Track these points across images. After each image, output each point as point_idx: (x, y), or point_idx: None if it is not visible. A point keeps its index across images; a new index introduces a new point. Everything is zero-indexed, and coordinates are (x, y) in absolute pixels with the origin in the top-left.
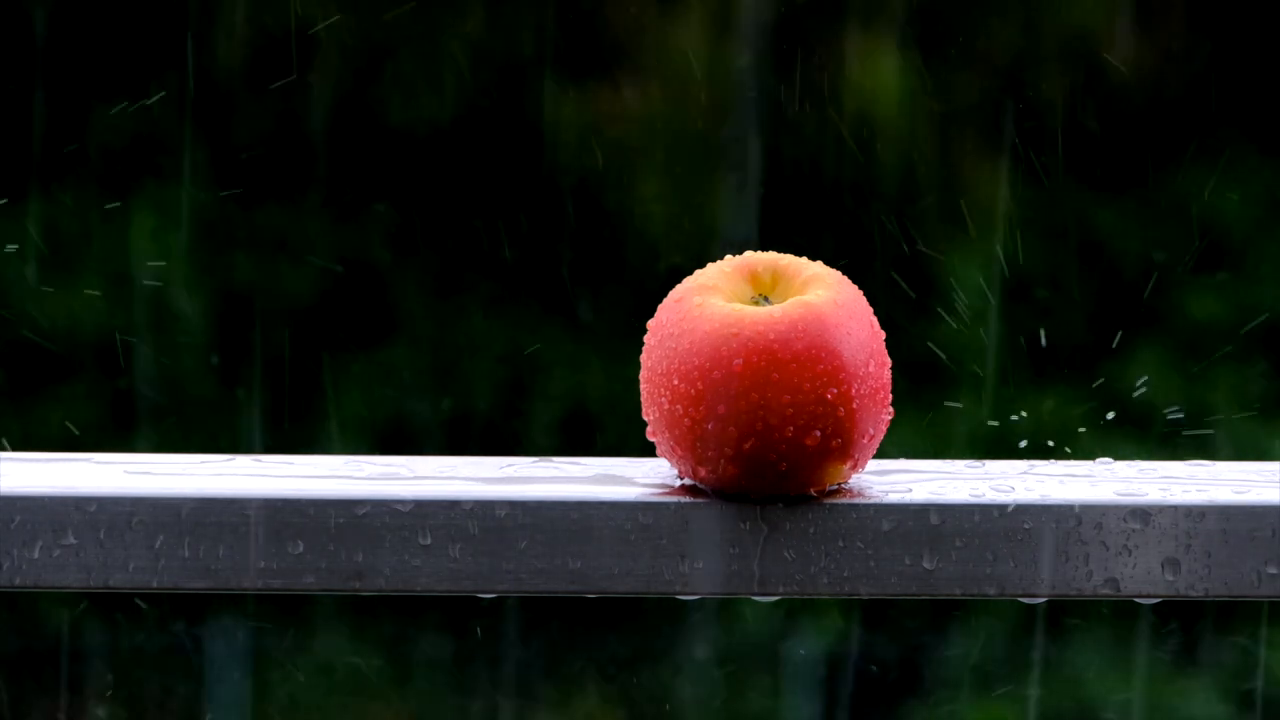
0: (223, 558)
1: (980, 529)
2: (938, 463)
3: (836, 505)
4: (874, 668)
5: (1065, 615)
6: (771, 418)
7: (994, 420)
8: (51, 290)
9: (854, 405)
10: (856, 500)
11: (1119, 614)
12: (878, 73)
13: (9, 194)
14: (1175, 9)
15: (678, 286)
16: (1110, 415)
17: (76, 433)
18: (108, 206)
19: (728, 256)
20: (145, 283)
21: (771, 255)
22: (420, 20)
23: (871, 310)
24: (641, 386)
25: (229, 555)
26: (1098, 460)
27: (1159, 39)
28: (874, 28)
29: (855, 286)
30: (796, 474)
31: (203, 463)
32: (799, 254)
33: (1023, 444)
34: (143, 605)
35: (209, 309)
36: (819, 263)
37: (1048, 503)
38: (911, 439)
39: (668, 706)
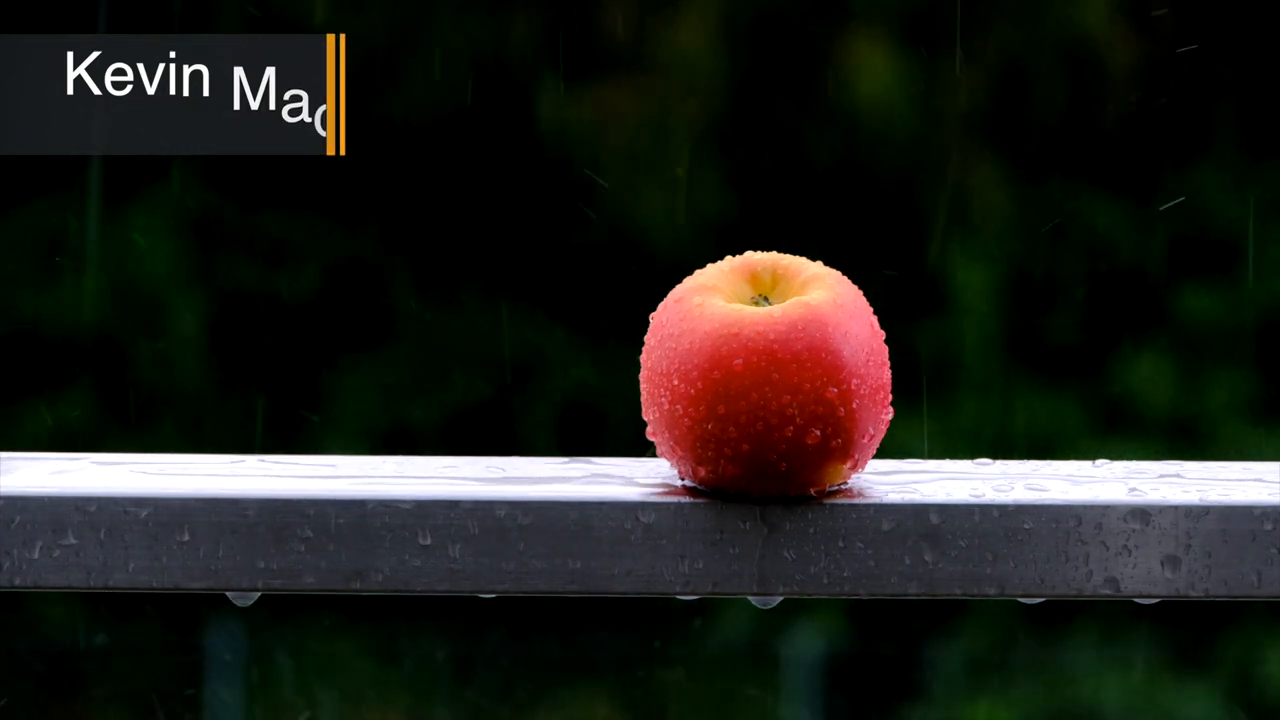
0: (223, 558)
1: (980, 529)
2: (937, 463)
3: (836, 505)
4: (873, 668)
5: (1065, 615)
6: (771, 418)
7: (993, 420)
8: (51, 290)
9: (854, 405)
10: (856, 500)
11: (1118, 614)
12: (877, 72)
13: (10, 194)
14: (1175, 10)
15: (678, 287)
16: (1110, 415)
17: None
18: (109, 207)
19: (728, 257)
20: (145, 283)
21: (771, 255)
22: (420, 20)
23: (871, 310)
24: (641, 386)
25: (229, 555)
26: (1097, 460)
27: (1158, 39)
28: (873, 27)
29: (855, 287)
30: (796, 474)
31: (203, 463)
32: (798, 253)
33: (1022, 444)
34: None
35: (209, 309)
36: (819, 263)
37: (1048, 503)
38: (911, 439)
39: (666, 706)
